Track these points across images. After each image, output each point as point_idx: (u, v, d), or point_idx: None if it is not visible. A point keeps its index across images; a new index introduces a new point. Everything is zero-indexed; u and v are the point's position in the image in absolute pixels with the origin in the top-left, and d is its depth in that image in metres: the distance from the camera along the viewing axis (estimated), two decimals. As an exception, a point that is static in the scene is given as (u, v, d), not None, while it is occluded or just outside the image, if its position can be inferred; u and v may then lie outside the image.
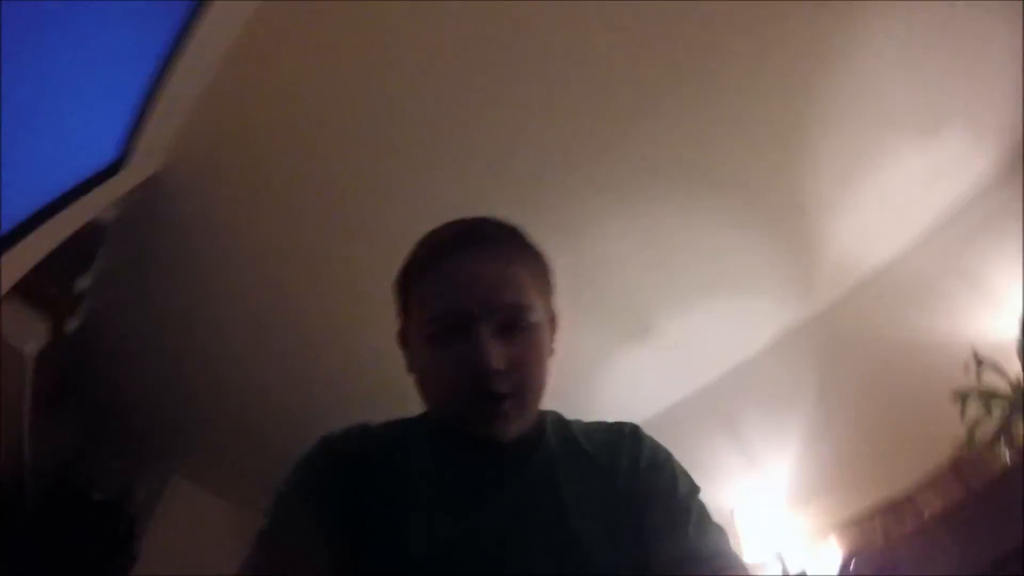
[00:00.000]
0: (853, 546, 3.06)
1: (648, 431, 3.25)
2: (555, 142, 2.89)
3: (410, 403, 0.79)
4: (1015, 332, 3.22)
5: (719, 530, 0.70)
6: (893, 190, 3.60)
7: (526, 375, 0.67)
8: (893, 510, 3.08)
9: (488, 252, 0.69)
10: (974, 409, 2.11)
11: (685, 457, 3.06)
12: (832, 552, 3.15)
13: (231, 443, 4.65)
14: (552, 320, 0.74)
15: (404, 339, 0.76)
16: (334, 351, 3.72)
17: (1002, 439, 1.72)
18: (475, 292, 0.66)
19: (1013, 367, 3.05)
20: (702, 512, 0.70)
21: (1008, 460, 1.64)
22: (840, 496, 3.53)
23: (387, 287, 0.88)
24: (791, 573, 3.14)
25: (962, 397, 2.04)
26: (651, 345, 4.06)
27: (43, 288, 1.98)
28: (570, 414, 3.32)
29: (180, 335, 3.61)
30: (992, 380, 2.28)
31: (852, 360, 4.00)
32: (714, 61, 2.78)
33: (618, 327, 3.92)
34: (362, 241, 3.02)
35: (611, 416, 3.28)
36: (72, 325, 2.32)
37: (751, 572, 2.96)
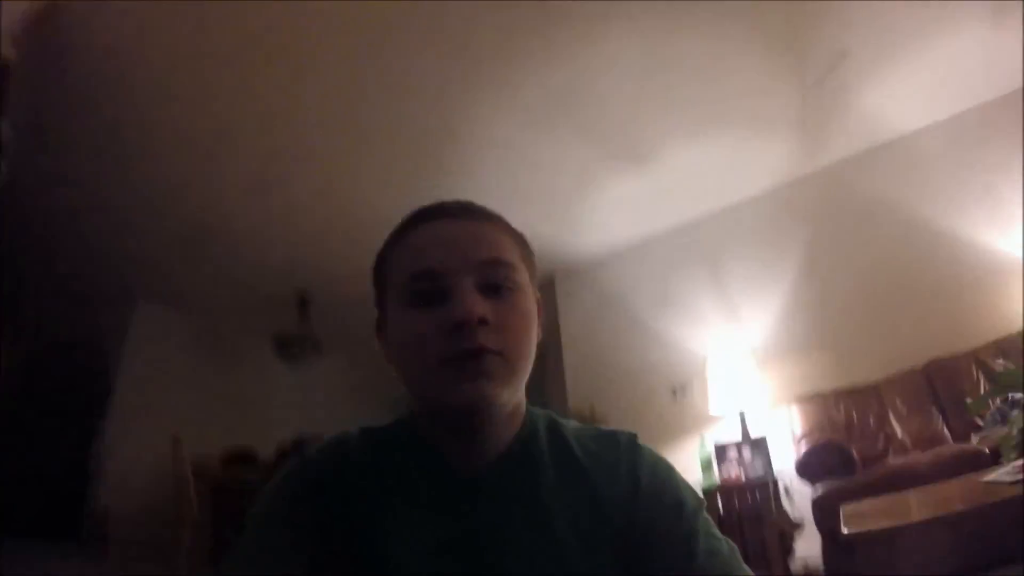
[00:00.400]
0: (812, 423, 3.32)
1: (631, 256, 3.37)
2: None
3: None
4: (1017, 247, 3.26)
5: (730, 549, 0.67)
6: (946, 63, 3.38)
7: (511, 336, 0.62)
8: (857, 398, 3.31)
9: (469, 216, 0.67)
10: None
11: (666, 291, 3.33)
12: (793, 421, 3.42)
13: (184, 262, 4.73)
14: (538, 303, 0.69)
15: (381, 328, 0.69)
16: (272, 161, 3.65)
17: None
18: (454, 247, 0.63)
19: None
20: (709, 531, 0.66)
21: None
22: (810, 366, 3.75)
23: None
24: (751, 436, 3.41)
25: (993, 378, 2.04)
26: (646, 172, 3.98)
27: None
28: (556, 233, 3.47)
29: (109, 166, 3.46)
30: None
31: (849, 227, 4.02)
32: None
33: (614, 149, 3.78)
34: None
35: (598, 239, 3.40)
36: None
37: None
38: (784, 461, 3.27)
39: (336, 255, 4.84)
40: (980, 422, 2.81)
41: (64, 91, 2.90)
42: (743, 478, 3.05)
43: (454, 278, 0.62)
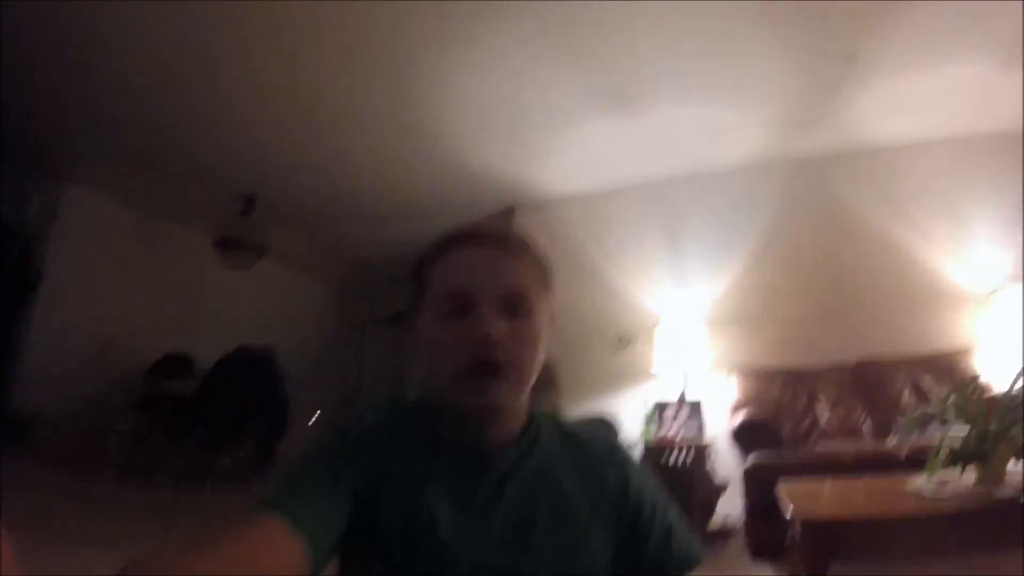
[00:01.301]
0: (747, 395, 3.60)
1: (595, 204, 4.57)
2: None
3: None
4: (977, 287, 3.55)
5: (689, 531, 0.85)
6: (944, 90, 3.52)
7: (521, 352, 0.74)
8: (791, 380, 3.60)
9: (497, 246, 0.77)
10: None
11: (624, 243, 4.47)
12: (729, 390, 3.69)
13: (122, 145, 4.42)
14: (550, 318, 0.82)
15: (410, 322, 0.82)
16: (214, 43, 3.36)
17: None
18: (483, 274, 0.75)
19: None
20: (679, 523, 0.84)
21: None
22: (751, 342, 4.02)
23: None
24: (688, 399, 3.67)
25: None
26: (627, 119, 3.92)
27: None
28: (523, 165, 4.43)
29: (46, 25, 3.11)
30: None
31: (811, 219, 4.22)
32: None
33: (598, 90, 3.67)
34: None
35: (564, 181, 4.37)
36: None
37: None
38: (716, 426, 3.55)
39: (286, 157, 4.61)
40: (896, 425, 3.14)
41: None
42: (678, 438, 3.30)
43: (481, 300, 0.73)
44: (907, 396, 3.23)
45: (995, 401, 2.09)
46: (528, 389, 0.78)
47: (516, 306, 0.75)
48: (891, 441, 3.00)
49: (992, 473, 1.88)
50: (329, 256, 6.76)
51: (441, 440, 0.78)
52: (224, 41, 3.31)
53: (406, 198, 4.97)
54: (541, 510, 0.76)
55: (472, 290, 0.74)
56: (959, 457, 1.95)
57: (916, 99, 3.62)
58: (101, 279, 5.18)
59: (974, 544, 1.80)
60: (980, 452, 1.91)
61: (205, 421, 4.42)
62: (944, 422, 2.15)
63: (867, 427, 3.24)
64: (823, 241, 4.14)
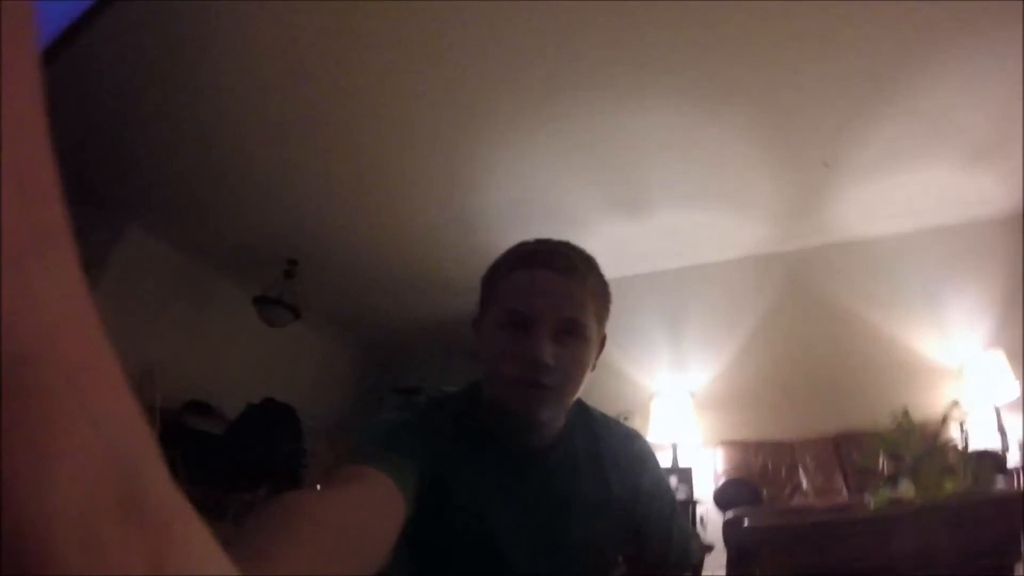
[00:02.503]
0: (733, 463, 3.77)
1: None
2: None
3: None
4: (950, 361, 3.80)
5: (691, 530, 1.03)
6: (916, 187, 3.93)
7: (567, 375, 0.81)
8: (774, 450, 3.78)
9: (563, 272, 0.83)
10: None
11: (627, 329, 4.12)
12: (716, 460, 3.87)
13: (185, 194, 4.65)
14: (601, 342, 0.90)
15: (477, 325, 0.90)
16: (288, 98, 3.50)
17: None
18: (545, 300, 0.81)
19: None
20: (684, 524, 0.99)
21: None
22: (739, 417, 4.23)
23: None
24: (680, 465, 3.85)
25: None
26: (635, 221, 4.40)
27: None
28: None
29: (131, 80, 3.28)
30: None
31: (800, 308, 4.53)
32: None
33: (612, 195, 4.14)
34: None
35: None
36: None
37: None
38: (704, 492, 3.70)
39: (334, 232, 5.01)
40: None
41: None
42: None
43: (538, 322, 0.80)
44: (882, 461, 3.38)
45: (930, 432, 2.33)
46: (568, 404, 0.86)
47: (570, 331, 0.81)
48: (865, 498, 3.15)
49: (923, 486, 2.09)
50: (357, 325, 7.07)
51: (491, 437, 0.86)
52: (288, 117, 3.59)
53: (434, 275, 5.34)
54: (573, 509, 0.86)
55: (531, 314, 0.80)
56: (896, 477, 2.18)
57: (887, 199, 4.02)
58: (143, 318, 5.37)
59: (907, 542, 1.99)
60: (913, 469, 2.14)
61: (229, 461, 4.56)
62: (889, 451, 2.39)
63: (844, 493, 3.38)
64: (808, 327, 4.42)
